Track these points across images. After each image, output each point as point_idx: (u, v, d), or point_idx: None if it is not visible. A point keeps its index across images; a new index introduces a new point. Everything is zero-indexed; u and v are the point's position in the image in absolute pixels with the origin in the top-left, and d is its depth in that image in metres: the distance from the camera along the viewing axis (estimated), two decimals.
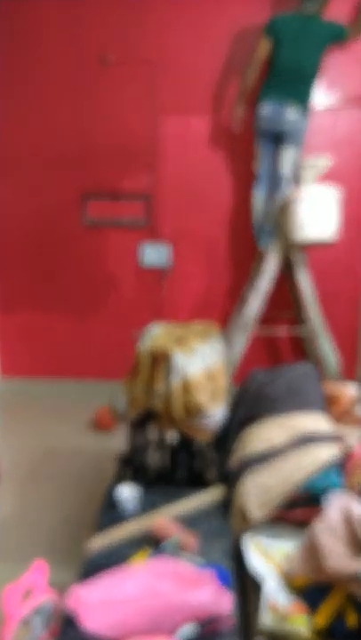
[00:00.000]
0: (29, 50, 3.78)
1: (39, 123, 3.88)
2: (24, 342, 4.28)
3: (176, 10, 3.61)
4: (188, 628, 1.21)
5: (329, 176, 3.38)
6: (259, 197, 3.60)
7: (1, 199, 4.04)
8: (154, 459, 2.44)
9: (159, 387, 2.02)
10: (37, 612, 1.40)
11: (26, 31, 3.75)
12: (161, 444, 2.46)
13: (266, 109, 3.35)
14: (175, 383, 2.00)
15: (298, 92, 3.30)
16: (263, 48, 3.33)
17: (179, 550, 1.56)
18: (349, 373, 3.89)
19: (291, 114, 3.29)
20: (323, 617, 1.26)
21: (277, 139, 3.40)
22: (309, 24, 3.26)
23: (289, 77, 3.31)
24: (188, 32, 3.64)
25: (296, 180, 3.42)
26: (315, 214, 3.20)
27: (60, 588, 1.49)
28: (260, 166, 3.53)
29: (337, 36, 3.27)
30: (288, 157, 3.37)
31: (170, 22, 3.64)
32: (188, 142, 3.80)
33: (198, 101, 3.73)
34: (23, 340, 4.28)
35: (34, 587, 1.43)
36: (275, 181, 3.47)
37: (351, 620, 1.23)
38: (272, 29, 3.32)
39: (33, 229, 4.07)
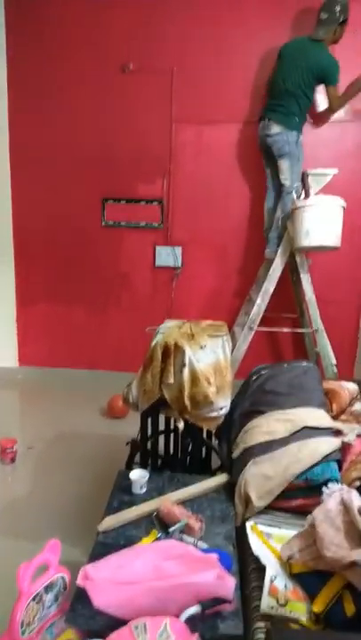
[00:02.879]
0: (56, 57, 3.72)
1: (63, 126, 3.82)
2: (42, 333, 4.24)
3: (195, 22, 3.55)
4: (191, 610, 1.18)
5: (335, 186, 3.31)
6: (266, 207, 3.58)
7: (26, 198, 3.99)
8: (163, 446, 2.41)
9: (170, 378, 1.98)
10: (49, 588, 1.37)
11: (53, 39, 3.70)
12: (170, 432, 2.43)
13: (259, 125, 3.38)
14: (185, 375, 1.96)
15: (280, 108, 3.26)
16: None
17: (185, 534, 1.53)
18: (349, 372, 3.82)
19: (273, 129, 3.27)
20: (320, 604, 1.21)
21: (269, 152, 3.37)
22: (307, 49, 3.20)
23: (275, 95, 3.31)
24: (206, 44, 3.57)
25: (303, 189, 3.37)
26: (320, 222, 3.14)
27: (71, 567, 1.46)
28: (267, 178, 3.52)
29: (325, 74, 3.17)
30: (284, 169, 3.32)
31: (189, 34, 3.58)
32: (202, 150, 3.74)
33: (213, 111, 3.66)
34: (41, 331, 4.23)
35: (47, 565, 1.41)
36: (279, 192, 3.43)
37: (349, 608, 1.18)
38: (279, 52, 3.34)
39: (55, 228, 4.02)
